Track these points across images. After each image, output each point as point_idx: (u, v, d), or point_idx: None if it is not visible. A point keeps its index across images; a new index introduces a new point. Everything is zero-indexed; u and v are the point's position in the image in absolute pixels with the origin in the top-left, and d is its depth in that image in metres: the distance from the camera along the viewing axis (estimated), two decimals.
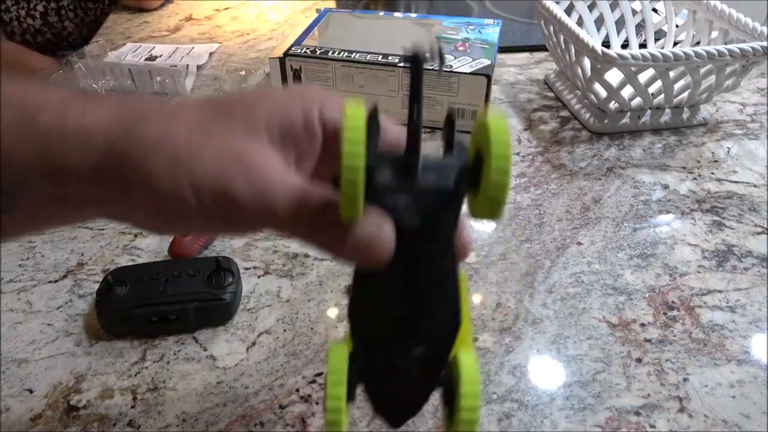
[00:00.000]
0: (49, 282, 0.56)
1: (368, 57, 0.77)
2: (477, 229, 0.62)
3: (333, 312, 0.53)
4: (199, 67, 0.94)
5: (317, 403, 0.45)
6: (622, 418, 0.44)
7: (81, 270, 0.57)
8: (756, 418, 0.44)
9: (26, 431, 0.43)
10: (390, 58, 0.77)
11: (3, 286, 0.55)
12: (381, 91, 0.78)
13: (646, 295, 0.55)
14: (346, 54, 0.78)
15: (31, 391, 0.46)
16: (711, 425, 0.44)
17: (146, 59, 0.95)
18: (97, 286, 0.53)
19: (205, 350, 0.49)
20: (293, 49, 0.80)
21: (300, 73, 0.80)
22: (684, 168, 0.73)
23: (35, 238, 0.60)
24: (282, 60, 0.79)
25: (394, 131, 0.30)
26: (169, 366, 0.48)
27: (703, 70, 0.72)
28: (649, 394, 0.46)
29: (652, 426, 0.44)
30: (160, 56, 0.96)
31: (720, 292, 0.55)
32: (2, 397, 0.46)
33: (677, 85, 0.75)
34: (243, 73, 0.88)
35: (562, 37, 0.78)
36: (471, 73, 0.74)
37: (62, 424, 0.44)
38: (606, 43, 0.91)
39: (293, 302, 0.54)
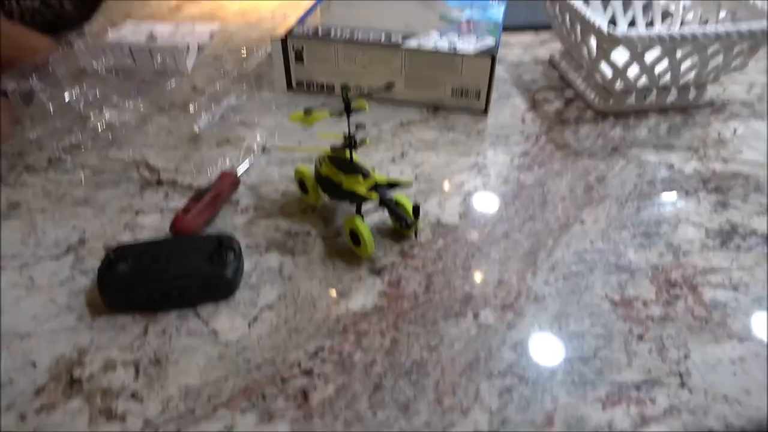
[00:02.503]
0: (51, 258, 0.56)
1: (371, 37, 0.77)
2: (480, 208, 0.62)
3: (334, 289, 0.53)
4: (200, 47, 0.93)
5: (319, 376, 0.45)
6: (623, 393, 0.44)
7: (83, 247, 0.57)
8: (756, 394, 0.44)
9: (30, 403, 0.43)
10: (393, 38, 0.76)
11: (5, 262, 0.55)
12: (384, 70, 0.77)
13: (649, 274, 0.55)
14: (348, 34, 0.77)
15: (34, 365, 0.46)
16: (711, 400, 0.44)
17: (147, 38, 0.94)
18: (98, 263, 0.53)
19: (207, 325, 0.49)
20: (295, 29, 0.79)
21: (302, 54, 0.79)
22: (689, 148, 0.72)
23: (37, 215, 0.60)
24: (284, 41, 0.78)
25: None
26: (171, 340, 0.48)
27: (710, 50, 0.71)
28: (649, 370, 0.46)
29: (652, 401, 0.44)
30: (161, 35, 0.95)
31: (723, 270, 0.55)
32: (6, 370, 0.46)
33: (684, 65, 0.74)
34: (244, 52, 0.88)
35: (567, 17, 0.77)
36: (475, 54, 0.74)
37: (66, 396, 0.44)
38: (612, 23, 0.90)
39: (295, 279, 0.54)
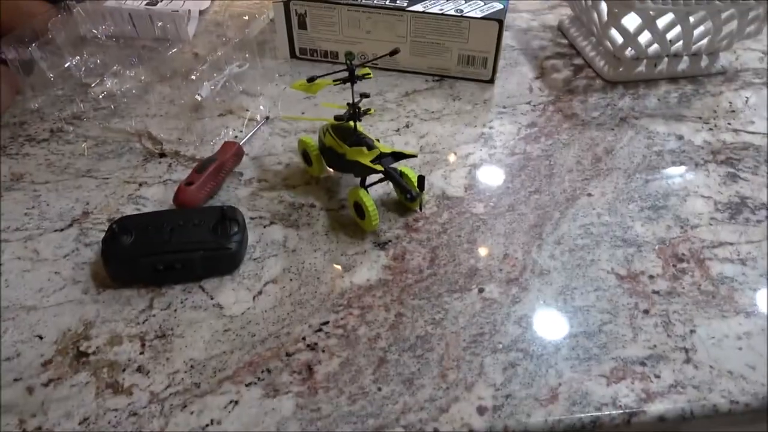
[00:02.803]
0: (55, 230, 0.55)
1: (375, 0, 0.75)
2: (486, 180, 0.61)
3: (339, 263, 0.53)
4: (201, 12, 0.91)
5: (323, 351, 0.46)
6: (628, 368, 0.44)
7: (86, 219, 0.57)
8: (761, 369, 0.44)
9: (38, 376, 0.44)
10: (398, 1, 0.74)
11: (9, 234, 0.55)
12: (389, 36, 0.75)
13: (656, 247, 0.54)
14: None
15: (41, 338, 0.46)
16: (716, 376, 0.44)
17: (147, 4, 0.92)
18: (102, 234, 0.52)
19: (212, 299, 0.49)
20: None
21: (305, 18, 0.77)
22: (700, 118, 0.71)
23: (40, 186, 0.60)
24: (287, 4, 0.76)
25: None
26: (177, 314, 0.48)
27: (724, 15, 0.69)
28: (655, 345, 0.46)
29: (657, 376, 0.44)
30: (162, 0, 0.93)
31: (731, 244, 0.54)
32: (13, 342, 0.46)
33: (697, 31, 0.72)
34: (246, 17, 0.86)
35: None
36: (482, 18, 0.71)
37: (72, 369, 0.44)
38: None
39: (299, 252, 0.54)
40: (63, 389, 0.43)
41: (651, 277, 0.51)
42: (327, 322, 0.48)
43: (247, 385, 0.43)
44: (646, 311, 0.49)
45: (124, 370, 0.44)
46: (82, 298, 0.49)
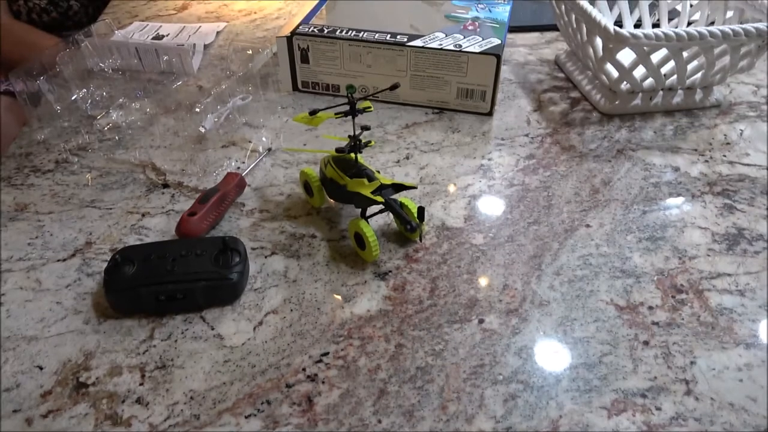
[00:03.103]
0: (58, 260, 0.56)
1: (376, 36, 0.76)
2: (485, 210, 0.62)
3: (339, 293, 0.53)
4: (206, 46, 0.93)
5: (323, 382, 0.46)
6: (628, 400, 0.44)
7: (89, 249, 0.57)
8: (763, 402, 0.44)
9: (37, 408, 0.44)
10: (398, 37, 0.76)
11: (12, 264, 0.55)
12: (389, 70, 0.77)
13: (655, 278, 0.54)
14: (354, 33, 0.77)
15: (41, 368, 0.46)
16: (717, 408, 0.44)
17: (153, 38, 0.95)
18: (105, 264, 0.53)
19: (213, 329, 0.50)
20: (301, 27, 0.79)
21: (307, 53, 0.79)
22: (695, 150, 0.72)
23: (44, 217, 0.61)
24: (289, 39, 0.78)
25: None
26: (177, 344, 0.48)
27: (717, 51, 0.71)
28: (655, 377, 0.46)
29: (658, 408, 0.44)
30: (167, 35, 0.96)
31: (730, 275, 0.55)
32: (13, 373, 0.46)
33: (690, 66, 0.73)
34: (250, 52, 0.88)
35: (573, 16, 0.77)
36: (480, 53, 0.73)
37: (72, 400, 0.44)
38: (618, 23, 0.90)
39: (300, 282, 0.54)
40: (62, 420, 0.43)
41: (650, 308, 0.52)
42: (327, 353, 0.48)
43: (246, 417, 0.43)
44: (646, 342, 0.49)
45: (123, 402, 0.44)
46: (83, 329, 0.50)
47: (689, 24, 0.86)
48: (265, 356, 0.47)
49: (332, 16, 0.84)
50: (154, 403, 0.44)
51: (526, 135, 0.74)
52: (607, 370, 0.46)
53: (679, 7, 0.87)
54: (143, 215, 0.61)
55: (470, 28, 0.79)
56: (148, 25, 1.00)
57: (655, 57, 0.70)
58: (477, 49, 0.74)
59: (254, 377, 0.46)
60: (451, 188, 0.65)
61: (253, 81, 0.78)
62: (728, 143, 0.73)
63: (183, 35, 0.96)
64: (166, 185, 0.65)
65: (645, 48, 0.68)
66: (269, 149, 0.71)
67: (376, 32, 0.77)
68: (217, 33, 0.98)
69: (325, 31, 0.78)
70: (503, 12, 0.84)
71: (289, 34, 0.78)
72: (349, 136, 0.55)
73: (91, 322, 0.50)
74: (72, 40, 0.83)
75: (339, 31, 0.77)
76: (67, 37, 0.84)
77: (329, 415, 0.43)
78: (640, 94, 0.78)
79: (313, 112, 0.53)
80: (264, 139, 0.72)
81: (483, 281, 0.54)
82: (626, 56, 0.70)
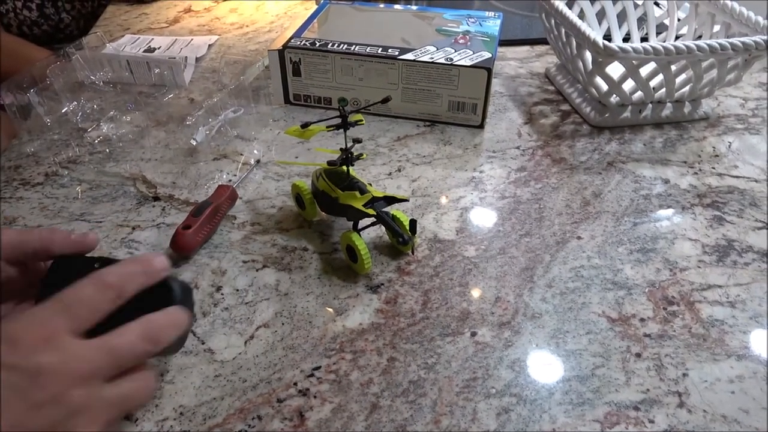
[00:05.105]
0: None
1: (368, 49, 0.77)
2: (477, 223, 0.62)
3: (331, 306, 0.53)
4: (197, 59, 0.93)
5: (315, 396, 0.45)
6: (621, 412, 0.44)
7: None
8: (755, 414, 0.44)
9: None
10: (390, 50, 0.76)
11: None
12: (381, 83, 0.77)
13: (646, 290, 0.55)
14: (345, 46, 0.77)
15: None
16: (710, 420, 0.44)
17: (144, 51, 0.95)
18: None
19: (203, 343, 0.49)
20: (292, 41, 0.79)
21: (299, 66, 0.79)
22: (685, 162, 0.72)
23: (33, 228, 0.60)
24: (281, 52, 0.78)
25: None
26: (167, 359, 0.48)
27: (705, 64, 0.71)
28: (648, 389, 0.46)
29: (651, 421, 0.44)
30: (159, 48, 0.96)
31: (720, 287, 0.55)
32: None
33: (679, 79, 0.74)
34: (242, 65, 0.88)
35: (563, 30, 0.77)
36: (471, 66, 0.74)
37: None
38: (607, 37, 0.91)
39: (292, 296, 0.54)
40: None
41: (642, 320, 0.52)
42: (319, 367, 0.47)
43: None
44: (638, 354, 0.49)
45: None
46: None
47: (677, 38, 0.87)
48: (256, 371, 0.47)
49: (324, 29, 0.84)
50: (143, 419, 0.43)
51: (517, 147, 0.74)
52: (600, 383, 0.46)
53: (667, 21, 0.88)
54: (133, 228, 0.61)
55: (461, 41, 0.80)
56: (139, 38, 1.00)
57: (644, 70, 0.71)
58: (468, 63, 0.74)
59: (245, 392, 0.45)
60: (443, 200, 0.65)
61: (244, 94, 0.78)
62: (717, 155, 0.74)
63: (174, 48, 0.96)
64: (156, 198, 0.65)
65: (634, 61, 0.69)
66: (258, 161, 0.71)
67: (368, 45, 0.77)
68: (209, 46, 0.98)
69: (317, 44, 0.78)
70: (494, 26, 0.85)
71: (281, 48, 0.78)
72: (341, 149, 0.55)
73: None
74: (63, 52, 0.83)
75: (331, 44, 0.78)
76: (59, 49, 0.84)
77: (321, 429, 0.43)
78: (630, 107, 0.79)
79: (304, 125, 0.53)
80: (256, 151, 0.72)
81: (475, 294, 0.54)
82: (615, 70, 0.71)
